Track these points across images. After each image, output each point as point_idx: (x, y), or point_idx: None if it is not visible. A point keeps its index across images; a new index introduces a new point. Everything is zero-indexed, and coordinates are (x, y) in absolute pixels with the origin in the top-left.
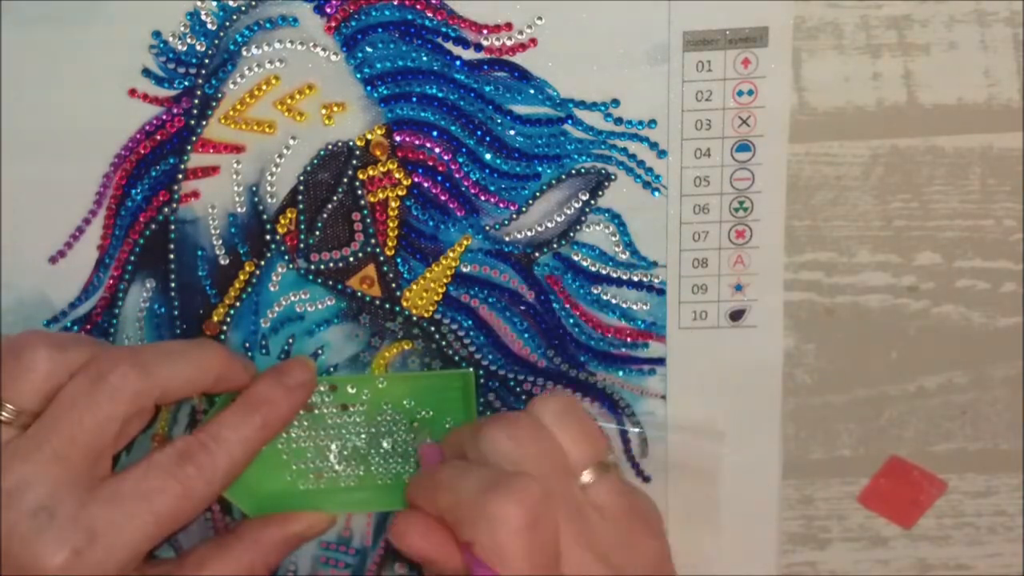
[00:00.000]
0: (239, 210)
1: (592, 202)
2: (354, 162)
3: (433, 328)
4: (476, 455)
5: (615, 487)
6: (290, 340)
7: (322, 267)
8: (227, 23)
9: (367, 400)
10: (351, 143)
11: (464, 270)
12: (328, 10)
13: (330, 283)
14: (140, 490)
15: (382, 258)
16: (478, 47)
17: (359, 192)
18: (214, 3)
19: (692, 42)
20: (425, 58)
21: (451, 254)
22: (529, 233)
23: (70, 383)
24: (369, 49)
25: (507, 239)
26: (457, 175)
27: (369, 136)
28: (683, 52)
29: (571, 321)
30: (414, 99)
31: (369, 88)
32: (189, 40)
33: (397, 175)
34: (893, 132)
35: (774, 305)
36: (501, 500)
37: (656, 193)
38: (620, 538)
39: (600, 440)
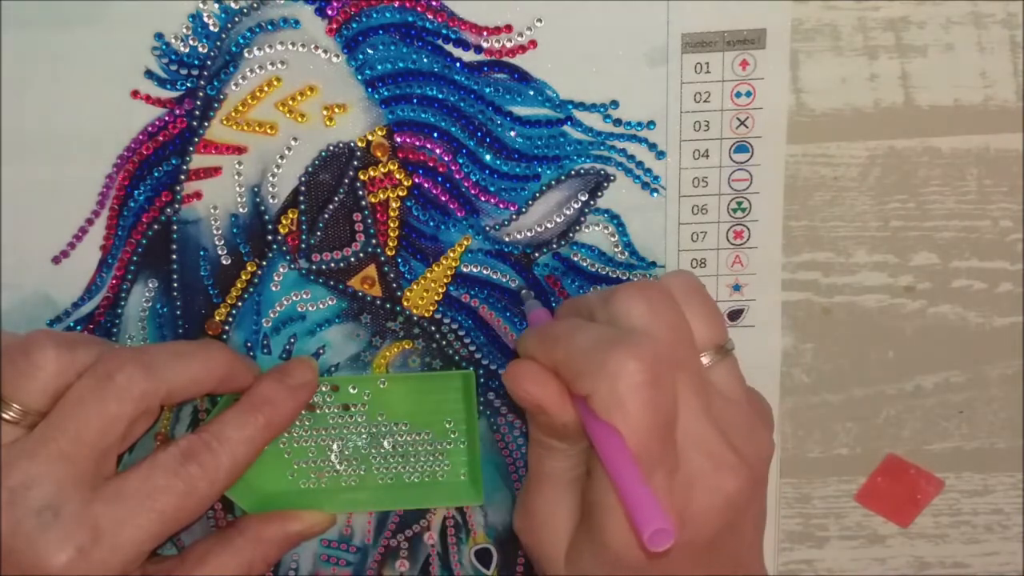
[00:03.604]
0: (241, 210)
1: (591, 203)
2: (355, 163)
3: (433, 328)
4: (606, 316)
5: (733, 373)
6: (292, 340)
7: (323, 267)
8: (229, 25)
9: (368, 400)
10: (352, 144)
11: (464, 270)
12: (329, 12)
13: (331, 283)
14: (144, 489)
15: (383, 258)
16: (478, 49)
17: (360, 193)
18: (216, 5)
19: (691, 44)
20: (426, 60)
21: (451, 254)
22: (529, 233)
23: (77, 383)
24: (370, 51)
25: (507, 239)
26: (457, 176)
27: (370, 137)
28: (682, 54)
29: None
30: (415, 100)
31: (370, 90)
32: (191, 42)
33: (398, 176)
34: (890, 133)
35: (772, 305)
36: (623, 354)
37: (655, 194)
38: (740, 421)
39: (723, 324)
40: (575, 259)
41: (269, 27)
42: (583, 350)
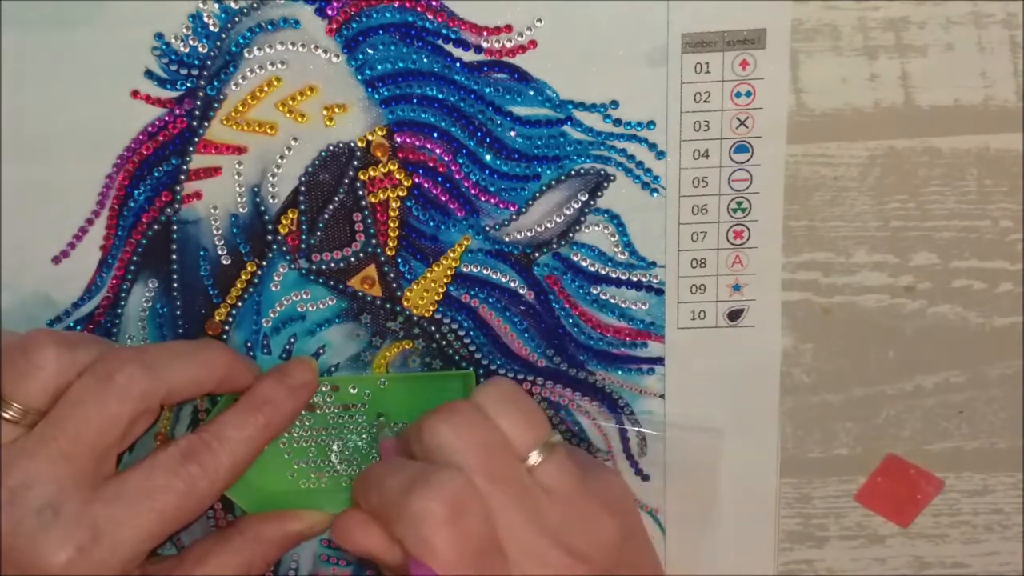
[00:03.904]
0: (241, 211)
1: (591, 203)
2: (355, 163)
3: (433, 328)
4: (420, 448)
5: (562, 467)
6: (292, 340)
7: (323, 267)
8: (229, 25)
9: (368, 400)
10: (352, 144)
11: (464, 270)
12: (329, 12)
13: (331, 283)
14: (144, 489)
15: (383, 258)
16: (478, 49)
17: (360, 193)
18: (216, 5)
19: (691, 44)
20: (426, 60)
21: (451, 254)
22: (529, 233)
23: (77, 382)
24: (370, 51)
25: (507, 239)
26: (457, 176)
27: (370, 137)
28: (682, 54)
29: (570, 321)
30: (415, 100)
31: (370, 90)
32: (191, 42)
33: (398, 176)
34: (890, 133)
35: (772, 305)
36: (419, 497)
37: (655, 194)
38: (572, 518)
39: (542, 422)
40: (575, 259)
41: (269, 27)
42: (390, 497)
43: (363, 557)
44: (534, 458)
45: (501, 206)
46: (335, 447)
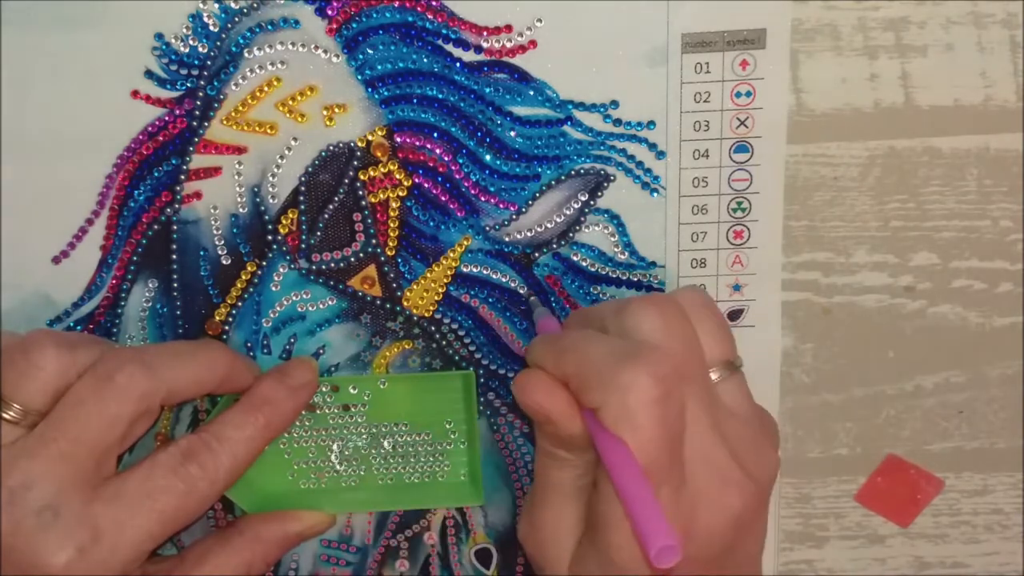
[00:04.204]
0: (241, 211)
1: (591, 203)
2: (355, 163)
3: (433, 328)
4: (618, 328)
5: (742, 389)
6: (292, 340)
7: (323, 267)
8: (229, 25)
9: (369, 401)
10: (352, 144)
11: (464, 270)
12: (329, 12)
13: (331, 283)
14: (144, 489)
15: (383, 258)
16: (478, 49)
17: (360, 193)
18: (216, 5)
19: (691, 44)
20: (426, 60)
21: (451, 254)
22: (529, 233)
23: (77, 383)
24: (370, 51)
25: (507, 239)
26: (457, 176)
27: (370, 137)
28: (682, 54)
29: None
30: (415, 100)
31: (370, 90)
32: (191, 42)
33: (398, 176)
34: (890, 133)
35: (772, 305)
36: (635, 369)
37: (655, 194)
38: (746, 438)
39: (732, 341)
40: (575, 259)
41: (269, 27)
42: (595, 362)
43: (535, 417)
44: (716, 374)
45: (501, 206)
46: (335, 447)
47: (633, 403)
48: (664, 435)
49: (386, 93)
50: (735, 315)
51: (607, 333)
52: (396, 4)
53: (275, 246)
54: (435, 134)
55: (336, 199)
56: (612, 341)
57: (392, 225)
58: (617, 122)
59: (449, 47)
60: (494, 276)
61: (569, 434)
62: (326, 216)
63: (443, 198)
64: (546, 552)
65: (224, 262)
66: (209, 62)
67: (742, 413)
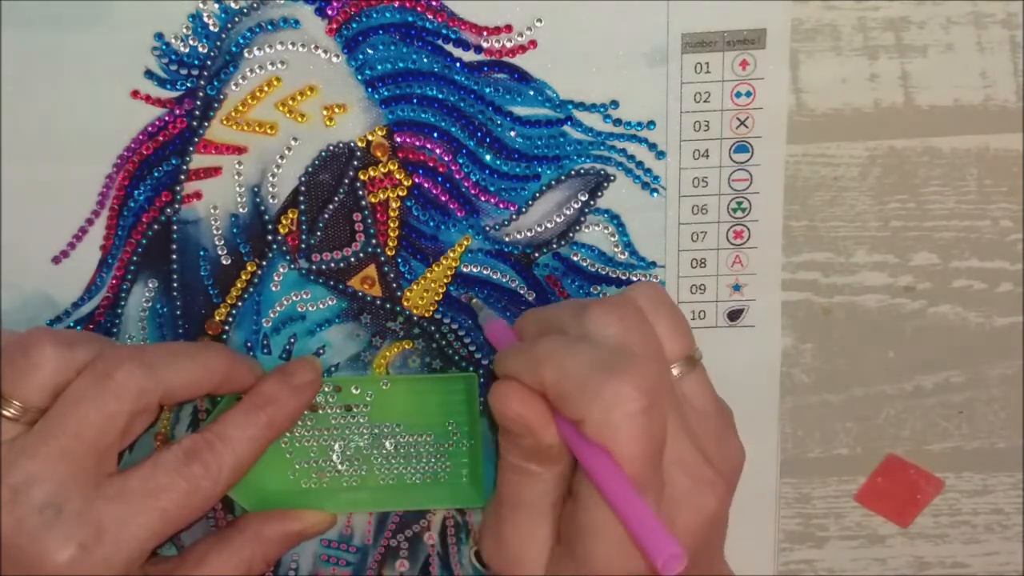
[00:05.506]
0: (241, 211)
1: (591, 203)
2: (355, 163)
3: (433, 328)
4: (579, 333)
5: (704, 383)
6: (292, 340)
7: (323, 267)
8: (229, 25)
9: (371, 401)
10: (352, 144)
11: (464, 270)
12: (329, 12)
13: (331, 283)
14: (147, 488)
15: (383, 258)
16: (478, 49)
17: (360, 193)
18: (216, 5)
19: (691, 44)
20: (426, 60)
21: (451, 254)
22: (529, 233)
23: (76, 380)
24: (370, 51)
25: (507, 239)
26: (457, 176)
27: (370, 137)
28: (682, 54)
29: None
30: (415, 100)
31: (370, 90)
32: (191, 42)
33: (398, 176)
34: (890, 133)
35: (772, 305)
36: (618, 381)
37: (655, 194)
38: (711, 433)
39: (690, 333)
40: (575, 259)
41: (269, 27)
42: (575, 374)
43: (513, 428)
44: (677, 369)
45: (501, 206)
46: (337, 447)
47: (618, 417)
48: (649, 447)
49: (386, 93)
50: (735, 315)
51: (567, 335)
52: (396, 4)
53: (275, 246)
54: (435, 134)
55: (336, 199)
56: (591, 351)
57: (392, 225)
58: (617, 122)
59: (449, 47)
60: (494, 276)
61: (546, 444)
62: (326, 216)
63: (443, 198)
64: (516, 569)
65: (224, 262)
66: (209, 62)
67: (704, 407)
